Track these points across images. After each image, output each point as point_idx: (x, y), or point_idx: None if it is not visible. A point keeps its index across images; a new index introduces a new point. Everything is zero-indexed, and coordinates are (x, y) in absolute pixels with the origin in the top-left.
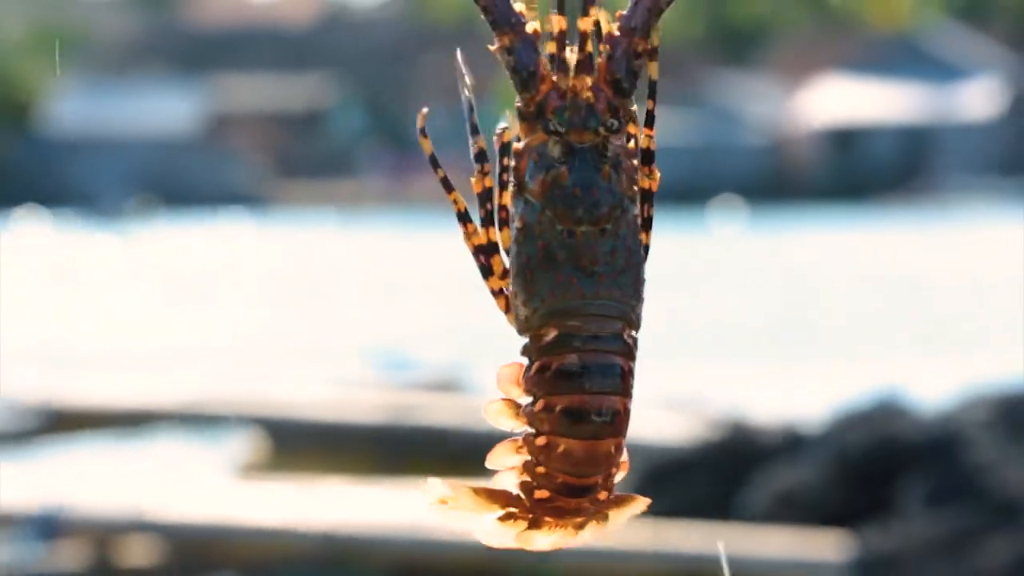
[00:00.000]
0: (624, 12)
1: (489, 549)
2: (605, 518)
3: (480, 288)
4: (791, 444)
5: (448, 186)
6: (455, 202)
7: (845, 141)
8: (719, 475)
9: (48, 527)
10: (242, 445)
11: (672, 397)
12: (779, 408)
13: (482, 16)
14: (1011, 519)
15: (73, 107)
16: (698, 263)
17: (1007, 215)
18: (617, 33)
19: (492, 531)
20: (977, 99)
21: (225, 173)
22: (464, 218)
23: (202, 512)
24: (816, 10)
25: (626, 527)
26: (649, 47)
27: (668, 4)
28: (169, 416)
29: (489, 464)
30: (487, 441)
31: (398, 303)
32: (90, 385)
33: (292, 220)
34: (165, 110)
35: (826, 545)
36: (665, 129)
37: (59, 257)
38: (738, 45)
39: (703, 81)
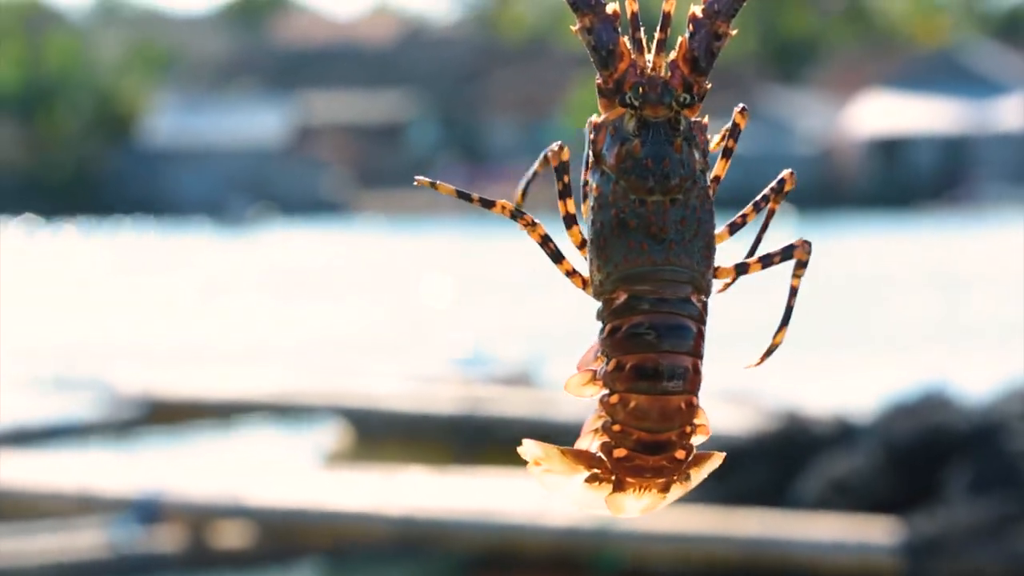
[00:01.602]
0: None
1: (557, 534)
2: (687, 478)
3: (549, 288)
4: (843, 434)
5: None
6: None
7: (889, 152)
8: (775, 464)
9: (148, 511)
10: (328, 435)
11: (730, 390)
12: (831, 400)
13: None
14: None
15: (170, 121)
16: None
17: None
18: (701, 15)
19: (581, 496)
20: (1013, 112)
21: (310, 182)
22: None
23: (290, 498)
24: (861, 29)
25: (687, 513)
26: (731, 32)
27: None
28: (260, 407)
29: (583, 433)
30: (558, 431)
31: (474, 303)
32: (187, 378)
33: (373, 226)
34: (255, 123)
35: (876, 530)
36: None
37: (156, 259)
38: (789, 62)
39: (757, 95)
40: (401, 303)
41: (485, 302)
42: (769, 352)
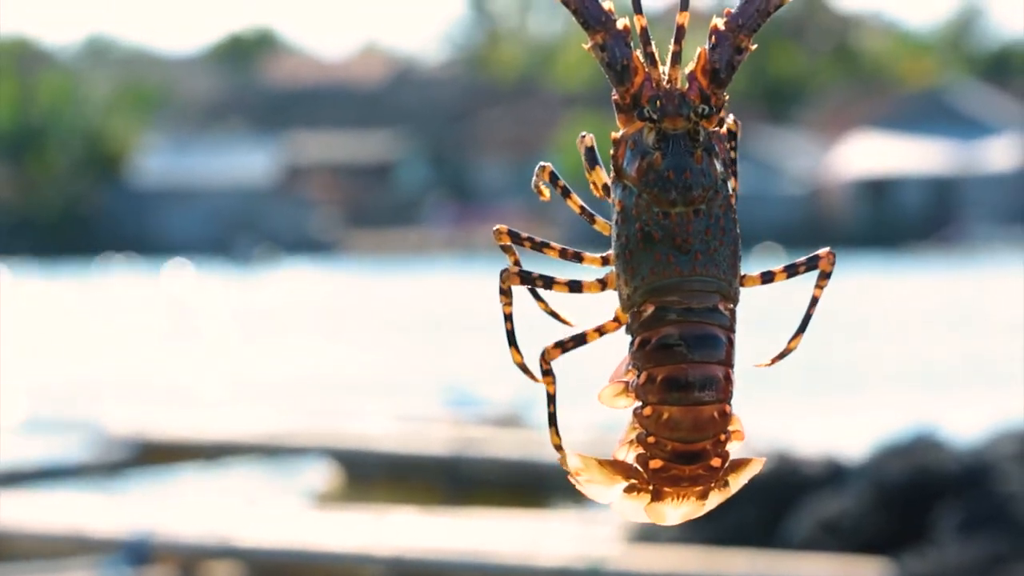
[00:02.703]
0: (733, 10)
1: (547, 575)
2: (725, 484)
3: (539, 329)
4: (833, 475)
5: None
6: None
7: (877, 192)
8: (765, 504)
9: (138, 552)
10: (318, 476)
11: None
12: (821, 441)
13: (574, 19)
14: None
15: (159, 160)
16: (741, 305)
17: None
18: (723, 27)
19: (622, 505)
20: (1000, 153)
21: (300, 222)
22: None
23: (280, 538)
24: (850, 70)
25: (677, 553)
26: (751, 47)
27: (777, 7)
28: (250, 448)
29: (619, 444)
30: (546, 473)
31: (463, 343)
32: (177, 419)
33: (363, 265)
34: (244, 163)
35: (866, 570)
36: None
37: (145, 299)
38: (778, 103)
39: (746, 136)
40: (390, 343)
41: (475, 342)
42: (783, 355)
